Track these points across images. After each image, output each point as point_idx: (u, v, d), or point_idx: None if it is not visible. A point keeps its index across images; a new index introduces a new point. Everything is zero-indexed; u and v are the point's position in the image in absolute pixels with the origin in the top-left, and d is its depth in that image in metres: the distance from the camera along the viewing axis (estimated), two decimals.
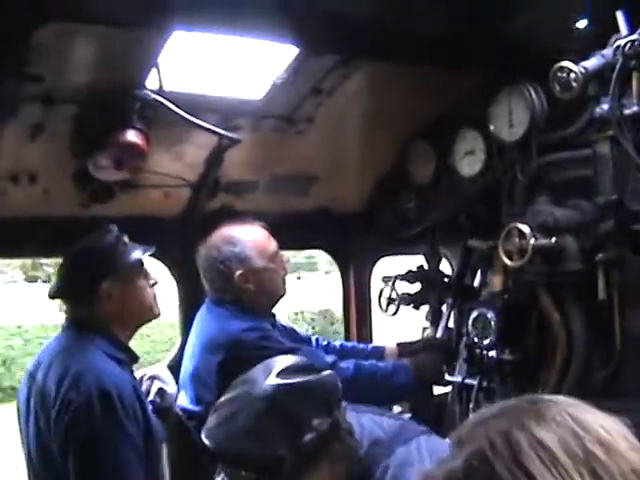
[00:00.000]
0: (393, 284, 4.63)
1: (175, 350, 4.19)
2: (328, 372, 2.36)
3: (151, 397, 3.45)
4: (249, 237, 3.67)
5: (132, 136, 3.26)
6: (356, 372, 3.65)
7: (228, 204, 4.14)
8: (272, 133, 3.91)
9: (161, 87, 3.28)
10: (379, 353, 4.20)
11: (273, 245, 3.74)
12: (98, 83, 3.12)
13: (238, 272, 3.60)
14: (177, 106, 3.30)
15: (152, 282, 3.37)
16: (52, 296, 3.27)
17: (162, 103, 3.27)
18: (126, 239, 3.30)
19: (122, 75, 3.16)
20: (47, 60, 2.89)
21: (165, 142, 3.50)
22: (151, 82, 3.27)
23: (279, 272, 3.76)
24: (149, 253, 3.39)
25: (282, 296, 3.84)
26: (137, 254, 3.31)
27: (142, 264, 3.36)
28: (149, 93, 3.23)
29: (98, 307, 3.19)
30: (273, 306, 3.85)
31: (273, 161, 4.12)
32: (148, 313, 3.37)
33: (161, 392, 3.48)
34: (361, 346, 4.30)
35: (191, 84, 3.47)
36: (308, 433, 2.14)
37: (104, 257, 3.20)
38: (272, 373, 2.26)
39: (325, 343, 4.18)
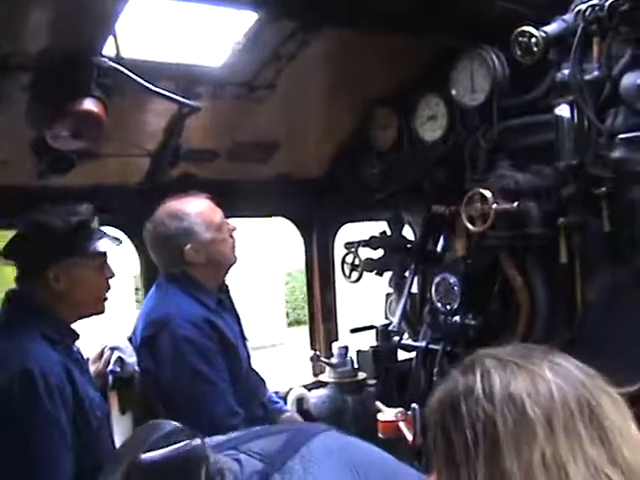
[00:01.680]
0: (356, 250, 4.63)
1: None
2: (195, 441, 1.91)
3: (110, 367, 3.41)
4: (195, 210, 3.66)
5: (90, 105, 3.17)
6: None
7: (189, 172, 4.10)
8: (232, 100, 3.86)
9: (118, 54, 3.20)
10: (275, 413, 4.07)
11: (219, 215, 3.72)
12: (54, 51, 3.02)
13: (187, 246, 3.61)
14: (135, 74, 3.22)
15: (108, 276, 3.24)
16: (5, 255, 3.12)
17: (120, 71, 3.20)
18: (96, 223, 3.19)
19: (79, 42, 3.07)
20: (1, 26, 2.80)
21: (124, 110, 3.42)
22: (108, 49, 3.19)
23: (227, 241, 3.76)
24: (115, 245, 3.27)
25: (233, 264, 3.84)
26: (101, 245, 3.18)
27: (104, 255, 3.23)
28: (106, 61, 3.15)
29: (42, 287, 3.06)
30: (224, 275, 3.85)
31: (234, 128, 4.07)
32: (92, 308, 3.23)
33: (120, 361, 3.44)
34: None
35: (149, 51, 3.40)
36: None
37: (62, 239, 3.05)
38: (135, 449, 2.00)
39: None
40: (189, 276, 3.66)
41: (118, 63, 3.19)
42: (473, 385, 1.34)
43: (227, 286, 3.91)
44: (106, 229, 3.36)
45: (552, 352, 1.39)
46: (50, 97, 3.14)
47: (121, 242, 3.36)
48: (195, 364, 3.47)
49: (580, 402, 1.29)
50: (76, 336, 3.21)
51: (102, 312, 3.27)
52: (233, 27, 3.46)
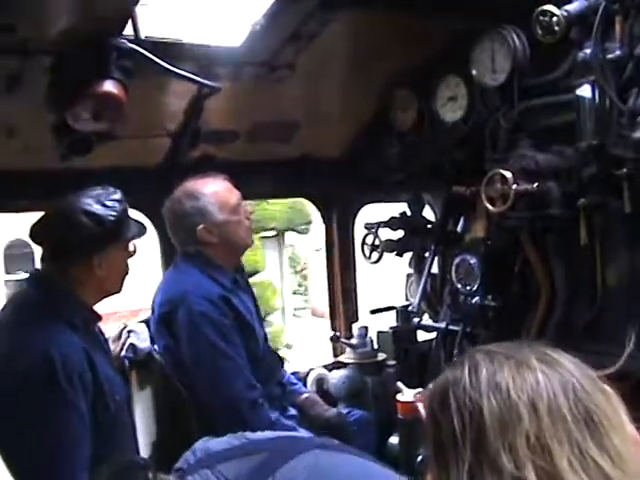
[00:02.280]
0: (376, 231, 4.63)
1: None
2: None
3: (123, 352, 3.48)
4: (210, 190, 3.72)
5: (110, 86, 3.19)
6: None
7: (208, 153, 4.11)
8: (252, 80, 3.85)
9: (138, 36, 3.21)
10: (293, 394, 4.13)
11: (235, 197, 3.77)
12: (73, 33, 3.04)
13: (200, 226, 3.68)
14: (155, 55, 3.23)
15: (131, 254, 3.30)
16: (35, 239, 3.15)
17: (140, 52, 3.21)
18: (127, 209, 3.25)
19: (98, 25, 3.08)
20: (20, 10, 2.82)
21: (144, 91, 3.43)
22: (128, 31, 3.20)
23: (242, 223, 3.81)
24: (144, 234, 3.35)
25: (247, 247, 3.92)
26: (134, 231, 3.25)
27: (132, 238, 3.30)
28: (126, 42, 3.16)
29: (80, 271, 3.11)
30: (239, 256, 3.93)
31: (254, 109, 4.07)
32: (116, 288, 3.28)
33: (132, 347, 3.53)
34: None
35: (169, 31, 3.40)
36: None
37: (110, 229, 3.10)
38: None
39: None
40: (204, 255, 3.73)
41: (138, 44, 3.20)
42: (460, 376, 1.36)
43: (242, 266, 3.95)
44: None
45: (545, 347, 1.40)
46: (70, 80, 3.16)
47: (146, 230, 3.42)
48: (212, 339, 3.54)
49: (566, 388, 1.30)
50: (98, 318, 3.26)
51: (120, 291, 3.32)
52: (252, 6, 3.45)
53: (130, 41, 3.18)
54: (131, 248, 3.28)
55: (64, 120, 3.26)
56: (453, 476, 1.31)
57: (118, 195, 3.18)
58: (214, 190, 3.73)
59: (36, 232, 3.14)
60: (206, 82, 3.55)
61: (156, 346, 3.67)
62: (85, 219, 3.06)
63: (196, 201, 3.69)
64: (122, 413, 3.18)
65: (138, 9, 3.14)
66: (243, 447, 1.97)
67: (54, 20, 3.01)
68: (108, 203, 3.12)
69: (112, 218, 3.10)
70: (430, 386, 1.46)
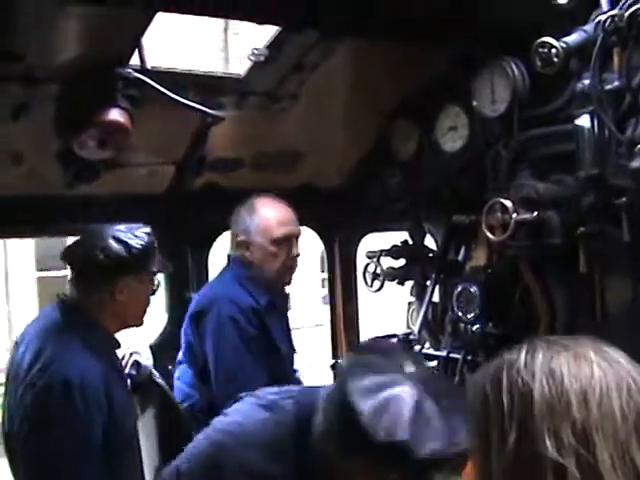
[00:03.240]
0: (378, 259, 4.65)
1: (163, 329, 4.25)
2: None
3: (127, 370, 3.51)
4: (263, 212, 3.86)
5: (116, 115, 3.25)
6: None
7: (213, 181, 4.15)
8: (255, 110, 3.91)
9: (144, 65, 3.27)
10: None
11: (282, 231, 3.86)
12: (81, 62, 3.10)
13: (240, 237, 3.85)
14: (160, 84, 3.29)
15: (153, 289, 3.41)
16: (65, 259, 3.27)
17: (145, 81, 3.26)
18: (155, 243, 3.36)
19: (105, 54, 3.15)
20: (28, 40, 2.87)
21: (149, 120, 3.48)
22: (134, 60, 3.26)
23: (279, 259, 3.87)
24: (169, 271, 3.61)
25: (279, 283, 3.97)
26: (160, 266, 3.41)
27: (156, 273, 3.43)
28: (132, 72, 3.22)
29: (103, 296, 3.20)
30: (272, 285, 3.94)
31: (257, 138, 4.13)
32: (137, 319, 3.39)
33: (137, 364, 3.55)
34: None
35: (173, 61, 3.47)
36: None
37: (139, 258, 3.22)
38: None
39: None
40: (242, 262, 3.86)
41: (143, 74, 3.26)
42: (517, 359, 1.38)
43: (286, 293, 4.09)
44: None
45: (606, 345, 1.41)
46: (77, 108, 3.22)
47: (171, 268, 3.61)
48: (235, 343, 3.65)
49: (620, 385, 1.31)
50: (118, 345, 3.34)
51: (141, 325, 3.42)
52: (255, 37, 3.51)
53: (136, 70, 3.24)
54: (155, 283, 3.38)
55: (70, 147, 3.31)
56: (494, 456, 1.32)
57: (148, 229, 3.30)
58: (267, 214, 3.86)
59: (67, 253, 3.27)
60: (210, 111, 3.60)
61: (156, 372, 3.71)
62: (114, 244, 3.17)
63: (249, 214, 3.85)
64: (132, 438, 3.25)
65: (144, 39, 3.20)
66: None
67: (62, 49, 3.07)
68: (138, 234, 3.24)
69: (139, 247, 3.21)
70: (485, 366, 1.47)
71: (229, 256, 3.98)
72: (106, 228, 3.22)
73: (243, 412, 2.46)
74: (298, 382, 4.11)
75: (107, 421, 3.02)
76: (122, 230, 3.22)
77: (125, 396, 3.24)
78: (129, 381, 3.43)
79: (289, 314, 4.18)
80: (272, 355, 3.78)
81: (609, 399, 1.29)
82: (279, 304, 3.97)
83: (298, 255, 3.93)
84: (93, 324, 3.20)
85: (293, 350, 4.08)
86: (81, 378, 2.96)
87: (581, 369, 1.32)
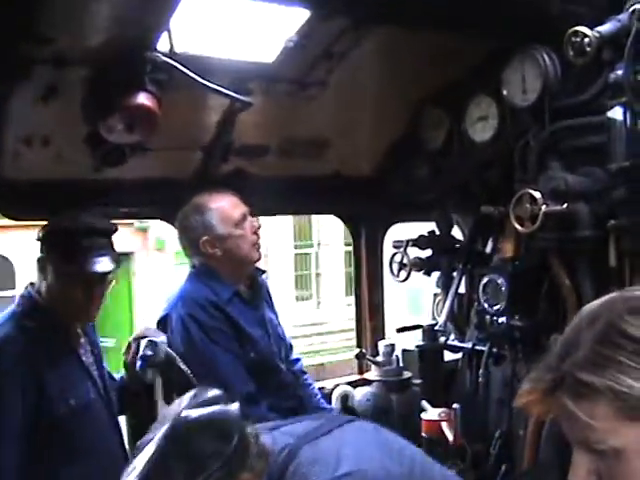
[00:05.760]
0: (405, 249, 4.64)
1: None
2: (232, 405, 2.11)
3: (141, 352, 3.49)
4: (214, 205, 3.81)
5: (144, 99, 3.25)
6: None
7: (240, 168, 4.14)
8: (284, 97, 3.89)
9: (172, 49, 3.27)
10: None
11: (239, 212, 3.84)
12: (110, 45, 3.10)
13: (203, 239, 3.79)
14: (189, 69, 3.28)
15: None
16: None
17: (174, 66, 3.26)
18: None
19: (134, 37, 3.14)
20: (59, 22, 2.88)
21: (177, 105, 3.48)
22: (163, 44, 3.26)
23: (246, 238, 3.86)
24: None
25: (252, 261, 3.95)
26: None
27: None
28: (160, 56, 3.22)
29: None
30: (244, 270, 3.96)
31: (285, 125, 4.11)
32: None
33: (152, 344, 3.51)
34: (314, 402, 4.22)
35: (203, 46, 3.46)
36: (209, 469, 1.94)
37: None
38: (179, 409, 2.07)
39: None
40: (206, 267, 3.85)
41: (172, 58, 3.25)
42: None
43: (259, 282, 4.04)
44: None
45: None
46: (105, 91, 3.22)
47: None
48: (196, 338, 3.69)
49: None
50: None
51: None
52: (285, 23, 3.50)
53: (165, 55, 3.23)
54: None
55: (98, 131, 3.32)
56: None
57: None
58: (218, 204, 3.82)
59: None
60: (238, 97, 3.59)
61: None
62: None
63: (200, 215, 3.80)
64: (83, 416, 3.33)
65: (173, 24, 3.19)
66: (298, 418, 2.40)
67: (92, 33, 3.07)
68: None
69: None
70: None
71: (193, 265, 3.95)
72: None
73: None
74: (292, 368, 4.13)
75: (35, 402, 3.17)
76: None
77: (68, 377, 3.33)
78: (139, 363, 3.46)
79: (270, 302, 4.16)
80: (244, 344, 3.79)
81: None
82: (248, 294, 3.97)
83: (260, 227, 3.92)
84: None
85: (280, 339, 4.06)
86: None
87: None
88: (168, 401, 3.58)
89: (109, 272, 3.38)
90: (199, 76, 3.33)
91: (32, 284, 3.40)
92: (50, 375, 3.24)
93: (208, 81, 3.38)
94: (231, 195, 3.86)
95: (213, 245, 3.80)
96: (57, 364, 3.30)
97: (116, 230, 3.44)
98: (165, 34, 3.22)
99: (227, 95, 3.54)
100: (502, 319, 4.06)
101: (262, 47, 3.60)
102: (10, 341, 3.21)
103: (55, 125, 3.36)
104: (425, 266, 4.67)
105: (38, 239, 3.35)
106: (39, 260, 3.34)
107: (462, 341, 4.53)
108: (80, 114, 3.27)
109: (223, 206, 3.82)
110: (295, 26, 3.50)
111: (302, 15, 3.44)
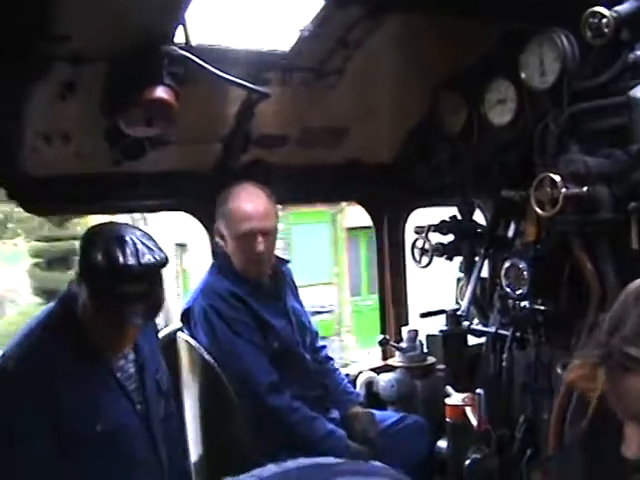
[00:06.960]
0: (426, 235, 4.63)
1: None
2: None
3: None
4: (231, 205, 3.84)
5: (162, 92, 3.26)
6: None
7: (259, 158, 4.16)
8: (301, 86, 3.89)
9: (188, 42, 3.27)
10: (347, 403, 4.15)
11: (246, 227, 3.81)
12: (126, 41, 3.12)
13: (216, 225, 3.92)
14: (205, 61, 3.29)
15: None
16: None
17: (190, 59, 3.27)
18: None
19: (150, 32, 3.15)
20: (74, 19, 2.89)
21: (195, 97, 3.49)
22: (178, 37, 3.27)
23: (241, 255, 3.87)
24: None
25: (247, 276, 3.91)
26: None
27: None
28: (177, 49, 3.23)
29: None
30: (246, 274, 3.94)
31: (303, 114, 4.11)
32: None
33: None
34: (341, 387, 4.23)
35: (218, 38, 3.46)
36: None
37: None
38: None
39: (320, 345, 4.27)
40: (225, 257, 3.92)
41: (188, 51, 3.26)
42: None
43: (281, 272, 4.09)
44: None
45: None
46: (123, 86, 3.24)
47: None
48: (222, 330, 3.73)
49: None
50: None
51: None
52: (300, 11, 3.49)
53: (181, 48, 3.24)
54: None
55: (117, 126, 3.34)
56: None
57: None
58: (235, 208, 3.83)
59: None
60: (255, 88, 3.59)
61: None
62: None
63: (224, 202, 3.86)
64: (114, 442, 3.06)
65: (188, 16, 3.20)
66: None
67: (107, 29, 3.08)
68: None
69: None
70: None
71: (213, 251, 4.08)
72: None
73: None
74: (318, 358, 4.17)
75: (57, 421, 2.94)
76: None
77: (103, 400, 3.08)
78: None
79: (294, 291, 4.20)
80: (267, 334, 3.82)
81: None
82: (270, 284, 3.99)
83: (261, 252, 3.82)
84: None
85: (305, 327, 4.08)
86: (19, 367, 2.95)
87: None
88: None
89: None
90: (216, 68, 3.33)
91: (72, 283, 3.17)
92: (71, 396, 2.97)
93: (225, 73, 3.39)
94: (257, 203, 3.84)
95: (221, 236, 3.90)
96: (82, 382, 3.02)
97: (164, 265, 3.08)
98: (181, 27, 3.23)
99: (244, 86, 3.54)
100: (525, 303, 4.05)
101: (278, 37, 3.60)
102: (33, 358, 2.97)
103: (74, 121, 3.38)
104: (447, 251, 4.66)
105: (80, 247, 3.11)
106: (77, 272, 3.13)
107: (485, 325, 4.53)
108: (99, 109, 3.30)
109: (234, 213, 3.82)
110: (310, 15, 3.49)
111: (317, 3, 3.43)
